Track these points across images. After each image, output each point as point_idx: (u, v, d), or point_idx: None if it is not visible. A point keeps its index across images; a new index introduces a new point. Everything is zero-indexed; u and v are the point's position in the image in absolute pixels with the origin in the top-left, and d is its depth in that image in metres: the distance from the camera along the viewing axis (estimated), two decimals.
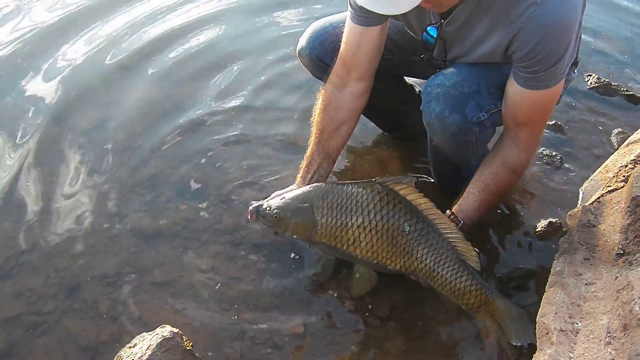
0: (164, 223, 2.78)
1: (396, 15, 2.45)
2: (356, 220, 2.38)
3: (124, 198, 2.89)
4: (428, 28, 2.43)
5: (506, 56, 2.31)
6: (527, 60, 2.22)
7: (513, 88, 2.34)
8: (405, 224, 2.37)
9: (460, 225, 2.47)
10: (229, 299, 2.49)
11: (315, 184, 2.58)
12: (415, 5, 2.00)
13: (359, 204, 2.39)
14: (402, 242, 2.37)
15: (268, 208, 2.48)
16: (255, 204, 2.56)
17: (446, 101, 2.38)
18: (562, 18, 2.15)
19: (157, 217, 2.80)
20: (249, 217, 2.56)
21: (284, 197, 2.51)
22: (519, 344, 2.29)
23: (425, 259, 2.36)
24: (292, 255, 2.64)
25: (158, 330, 2.15)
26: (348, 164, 3.14)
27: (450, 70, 2.45)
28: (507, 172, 2.50)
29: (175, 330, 2.15)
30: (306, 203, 2.45)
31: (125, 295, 2.48)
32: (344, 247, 2.43)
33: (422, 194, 2.41)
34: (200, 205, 2.87)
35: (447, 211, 2.53)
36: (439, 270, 2.36)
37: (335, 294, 2.53)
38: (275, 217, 2.47)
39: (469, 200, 2.52)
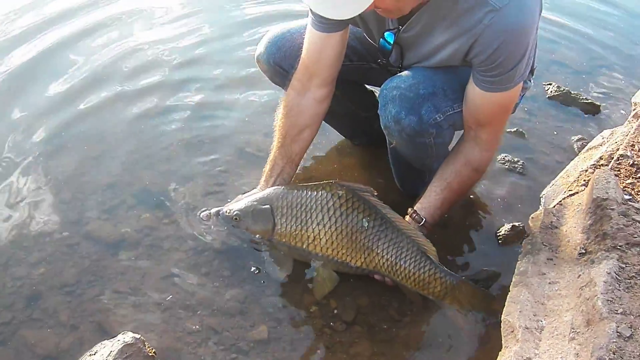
0: (126, 231, 2.72)
1: (354, 20, 2.49)
2: (315, 218, 2.40)
3: (84, 206, 2.83)
4: (385, 34, 2.45)
5: (465, 61, 2.34)
6: (488, 64, 2.25)
7: (473, 91, 2.37)
8: (364, 219, 2.39)
9: (422, 222, 2.49)
10: (192, 305, 2.44)
11: (276, 186, 2.59)
12: (360, 12, 2.02)
13: (318, 202, 2.41)
14: (362, 237, 2.40)
15: (228, 210, 2.51)
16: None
17: (402, 103, 2.40)
18: (520, 23, 2.19)
19: (118, 225, 2.75)
20: (207, 217, 2.63)
21: (244, 199, 2.53)
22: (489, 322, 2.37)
23: (386, 254, 2.39)
24: (253, 269, 2.59)
25: (119, 336, 2.10)
26: (311, 171, 3.13)
27: (406, 73, 2.47)
28: (469, 170, 2.53)
29: (137, 336, 2.10)
30: (266, 204, 2.48)
31: (86, 303, 2.42)
32: (304, 246, 2.44)
33: (380, 201, 2.45)
34: (162, 213, 2.82)
35: (409, 209, 2.54)
36: (401, 263, 2.38)
37: (300, 300, 2.50)
38: (236, 218, 2.51)
39: (431, 198, 2.53)
